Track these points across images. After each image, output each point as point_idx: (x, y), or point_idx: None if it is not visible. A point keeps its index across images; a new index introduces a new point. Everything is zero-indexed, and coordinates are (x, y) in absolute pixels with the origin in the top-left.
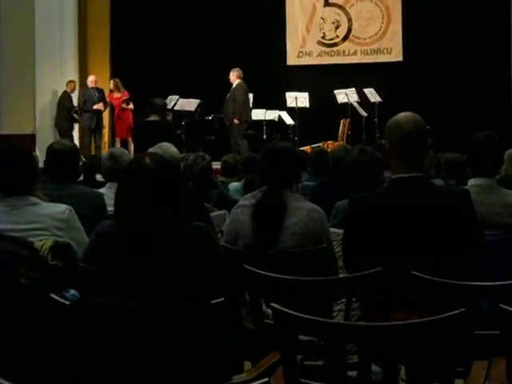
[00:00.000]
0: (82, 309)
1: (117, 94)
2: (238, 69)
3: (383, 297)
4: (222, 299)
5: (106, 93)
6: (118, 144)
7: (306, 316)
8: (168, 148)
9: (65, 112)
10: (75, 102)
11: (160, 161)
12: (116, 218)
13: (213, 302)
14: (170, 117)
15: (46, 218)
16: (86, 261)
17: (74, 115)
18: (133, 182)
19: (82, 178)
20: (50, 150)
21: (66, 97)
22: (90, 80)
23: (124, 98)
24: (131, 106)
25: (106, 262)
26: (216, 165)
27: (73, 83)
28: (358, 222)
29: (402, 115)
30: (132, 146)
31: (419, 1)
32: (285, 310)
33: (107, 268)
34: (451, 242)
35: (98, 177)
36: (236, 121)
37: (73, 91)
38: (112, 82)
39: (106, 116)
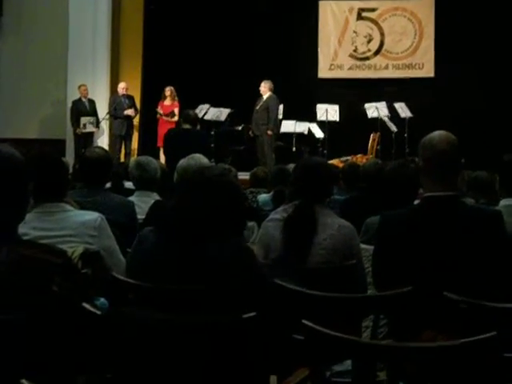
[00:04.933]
0: (113, 319)
1: (167, 102)
2: (269, 81)
3: (412, 315)
4: (254, 314)
5: (137, 100)
6: (161, 153)
7: (336, 334)
8: (200, 159)
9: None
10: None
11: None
12: (164, 228)
13: (244, 316)
14: (198, 127)
15: (78, 225)
16: (128, 270)
17: (102, 121)
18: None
19: (109, 184)
20: (83, 158)
21: (76, 103)
22: (121, 87)
23: (171, 110)
24: (175, 118)
25: (148, 272)
26: (244, 175)
27: (84, 87)
28: (389, 240)
29: (436, 133)
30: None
31: (452, 17)
32: (315, 326)
33: (150, 278)
34: (482, 263)
35: (127, 184)
36: (270, 132)
37: (85, 96)
38: (168, 89)
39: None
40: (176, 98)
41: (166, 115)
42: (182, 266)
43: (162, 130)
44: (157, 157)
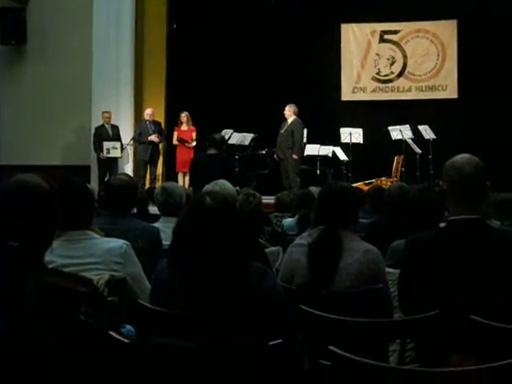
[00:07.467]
0: (140, 348)
1: (184, 128)
2: (293, 104)
3: (439, 339)
4: (280, 341)
5: (163, 125)
6: (180, 177)
7: (363, 359)
8: (224, 185)
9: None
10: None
11: (221, 200)
12: (174, 257)
13: (271, 343)
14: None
15: (103, 253)
16: (151, 299)
17: (127, 146)
18: (194, 222)
19: (135, 210)
20: (108, 185)
21: (99, 130)
22: (147, 112)
23: (191, 135)
24: (194, 143)
25: (167, 301)
26: (269, 199)
27: (107, 114)
28: (415, 263)
29: (459, 157)
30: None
31: (474, 37)
32: (341, 352)
33: (168, 306)
34: (508, 286)
35: (152, 209)
36: (295, 156)
37: (108, 122)
38: (184, 115)
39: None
40: (190, 123)
41: (188, 141)
42: (202, 295)
43: (180, 156)
44: (175, 181)
